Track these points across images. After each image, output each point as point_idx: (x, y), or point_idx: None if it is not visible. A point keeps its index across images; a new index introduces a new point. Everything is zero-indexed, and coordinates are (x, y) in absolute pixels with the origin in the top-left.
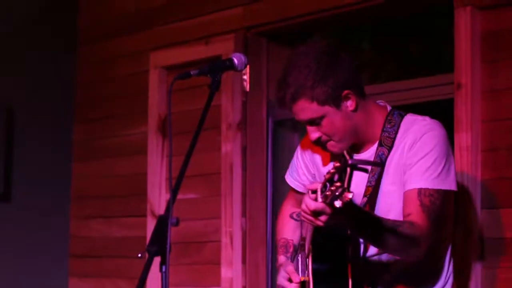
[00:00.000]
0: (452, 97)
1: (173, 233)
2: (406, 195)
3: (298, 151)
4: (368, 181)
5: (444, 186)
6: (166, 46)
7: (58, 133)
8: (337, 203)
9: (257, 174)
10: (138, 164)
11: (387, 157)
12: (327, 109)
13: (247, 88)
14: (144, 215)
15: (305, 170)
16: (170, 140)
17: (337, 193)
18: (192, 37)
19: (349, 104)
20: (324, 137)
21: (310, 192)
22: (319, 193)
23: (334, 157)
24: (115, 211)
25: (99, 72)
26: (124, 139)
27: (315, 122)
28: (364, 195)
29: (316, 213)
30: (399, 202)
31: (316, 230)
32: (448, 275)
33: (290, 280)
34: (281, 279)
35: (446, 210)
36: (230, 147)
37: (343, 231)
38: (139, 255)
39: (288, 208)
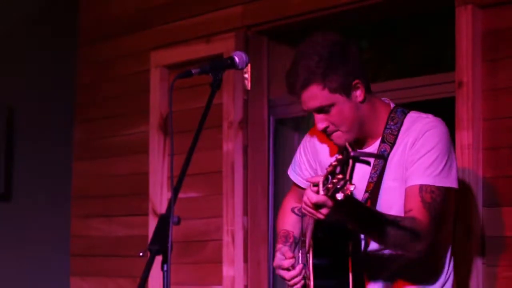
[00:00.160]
0: (453, 95)
1: (174, 232)
2: (407, 191)
3: (301, 146)
4: (370, 177)
5: (445, 183)
6: (167, 45)
7: (58, 132)
8: (339, 196)
9: (259, 173)
10: (139, 163)
11: (389, 153)
12: (338, 97)
13: (248, 87)
14: (146, 214)
15: (308, 165)
16: (171, 139)
17: (338, 186)
18: (192, 36)
19: (358, 94)
20: (332, 127)
21: (311, 185)
22: (321, 185)
23: (337, 152)
24: (116, 210)
25: (100, 72)
26: (125, 138)
27: (324, 110)
28: (366, 191)
29: (317, 206)
30: (401, 198)
31: (317, 225)
32: (448, 273)
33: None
34: (277, 260)
35: (447, 207)
36: (231, 146)
37: (344, 226)
38: (141, 254)
39: (290, 202)
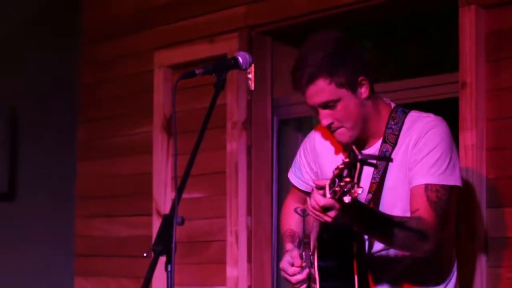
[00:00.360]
0: (457, 96)
1: (178, 232)
2: (412, 191)
3: (301, 149)
4: (373, 178)
5: (450, 181)
6: (170, 45)
7: (62, 133)
8: (346, 199)
9: (262, 173)
10: (143, 163)
11: (391, 153)
12: (344, 92)
13: (252, 87)
14: (150, 214)
15: (308, 168)
16: (175, 139)
17: (346, 189)
18: (196, 36)
19: (363, 91)
20: (336, 123)
21: (316, 187)
22: (327, 188)
23: (337, 157)
24: (120, 210)
25: (103, 72)
26: (129, 138)
27: (330, 105)
28: (369, 192)
29: (325, 209)
30: (404, 198)
31: (323, 227)
32: (452, 273)
33: (293, 265)
34: (285, 262)
35: (450, 206)
36: (235, 146)
37: (349, 228)
38: (145, 254)
39: (291, 203)
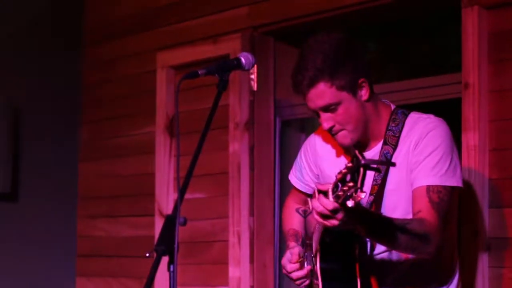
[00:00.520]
0: (459, 96)
1: (180, 232)
2: (414, 193)
3: (302, 151)
4: (374, 180)
5: (452, 182)
6: (173, 46)
7: (64, 133)
8: (350, 203)
9: (265, 174)
10: (145, 164)
11: (392, 155)
12: (345, 95)
13: (255, 88)
14: (152, 215)
15: (308, 170)
16: (177, 139)
17: (349, 193)
18: (199, 37)
19: (364, 93)
20: (337, 126)
21: (317, 191)
22: (330, 193)
23: (338, 159)
24: (122, 210)
25: (106, 72)
26: (131, 139)
27: (330, 108)
28: (370, 194)
29: (334, 212)
30: (405, 200)
31: (325, 230)
32: (454, 274)
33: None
34: (285, 259)
35: (452, 207)
36: (237, 147)
37: (351, 231)
38: (147, 254)
39: (292, 204)
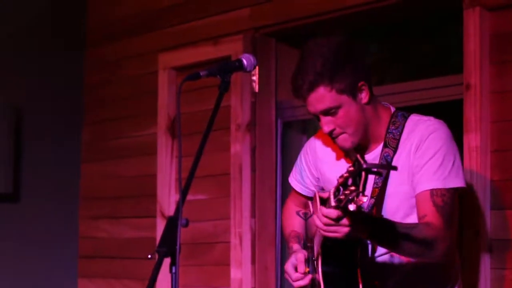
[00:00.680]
0: (461, 98)
1: (182, 234)
2: (418, 198)
3: (302, 154)
4: (375, 183)
5: (455, 183)
6: (175, 47)
7: (67, 134)
8: (351, 207)
9: (266, 175)
10: (147, 165)
11: (392, 158)
12: (344, 98)
13: (256, 89)
14: (154, 216)
15: (309, 173)
16: (179, 141)
17: (351, 197)
18: (201, 38)
19: (363, 96)
20: (338, 130)
21: (318, 197)
22: (332, 197)
23: (339, 162)
24: (124, 212)
25: (108, 73)
26: (133, 140)
27: (331, 112)
28: (371, 197)
29: (338, 219)
30: (406, 203)
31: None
32: (456, 275)
33: (296, 269)
34: (289, 265)
35: (454, 208)
36: (239, 148)
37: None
38: (149, 256)
39: (292, 206)
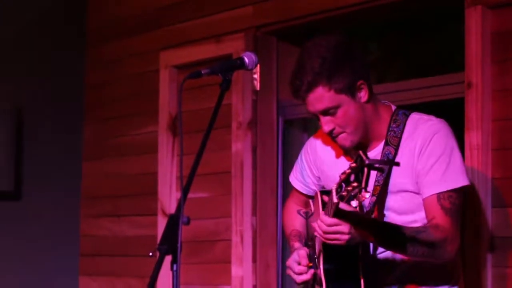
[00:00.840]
0: (462, 96)
1: (184, 232)
2: (426, 202)
3: (302, 153)
4: (376, 180)
5: (459, 183)
6: (176, 45)
7: (68, 132)
8: (354, 203)
9: (267, 173)
10: (148, 163)
11: (394, 156)
12: (343, 98)
13: (258, 87)
14: (155, 214)
15: (309, 172)
16: (180, 139)
17: (353, 193)
18: (202, 36)
19: (362, 95)
20: (338, 129)
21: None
22: (334, 193)
23: (339, 161)
24: (125, 210)
25: (109, 72)
26: (135, 138)
27: (330, 112)
28: (373, 194)
29: (331, 230)
30: (407, 201)
31: None
32: (457, 273)
33: (299, 264)
34: (292, 261)
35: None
36: (240, 146)
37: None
38: (150, 254)
39: (293, 205)
